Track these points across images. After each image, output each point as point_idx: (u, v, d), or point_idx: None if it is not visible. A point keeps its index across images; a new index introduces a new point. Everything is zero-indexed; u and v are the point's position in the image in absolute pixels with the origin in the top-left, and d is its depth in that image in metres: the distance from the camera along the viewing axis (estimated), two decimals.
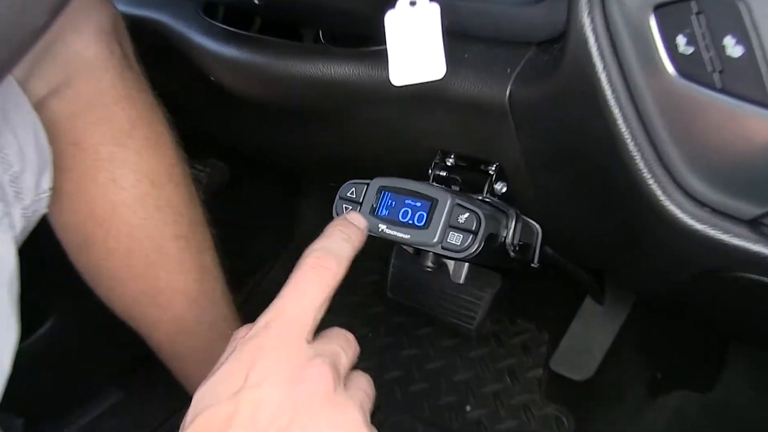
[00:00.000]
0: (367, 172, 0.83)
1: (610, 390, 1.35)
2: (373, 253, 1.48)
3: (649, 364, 1.34)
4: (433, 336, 1.52)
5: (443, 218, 0.76)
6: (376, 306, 1.58)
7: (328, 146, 1.06)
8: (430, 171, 0.88)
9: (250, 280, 1.57)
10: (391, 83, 0.76)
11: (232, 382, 0.61)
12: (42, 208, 0.90)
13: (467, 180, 0.86)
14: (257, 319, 0.65)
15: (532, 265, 0.88)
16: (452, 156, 0.88)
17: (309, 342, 0.64)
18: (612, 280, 1.32)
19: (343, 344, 0.67)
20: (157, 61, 1.01)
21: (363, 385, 0.66)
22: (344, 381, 0.64)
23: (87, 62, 0.92)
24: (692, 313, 1.08)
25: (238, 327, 1.05)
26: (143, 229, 1.01)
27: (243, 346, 0.62)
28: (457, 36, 0.78)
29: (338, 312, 1.53)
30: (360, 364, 1.55)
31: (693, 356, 1.32)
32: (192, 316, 1.08)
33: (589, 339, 1.39)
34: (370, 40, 0.87)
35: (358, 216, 0.75)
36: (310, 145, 1.10)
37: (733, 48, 0.58)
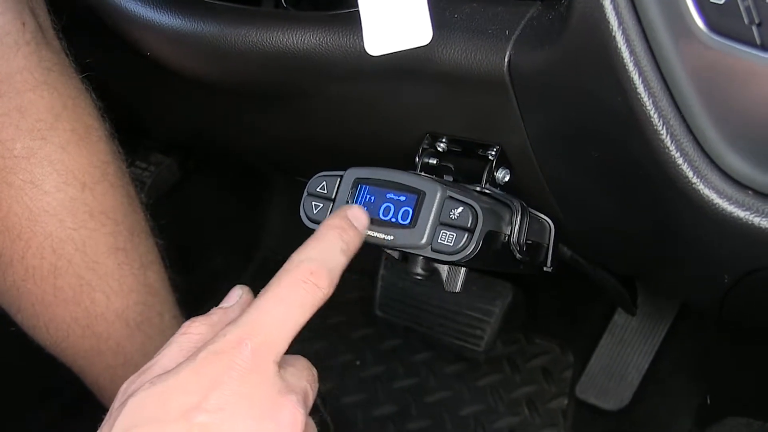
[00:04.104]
0: (342, 162, 0.83)
1: (649, 421, 1.35)
2: (356, 264, 1.49)
3: (696, 388, 1.34)
4: (433, 362, 1.52)
5: (432, 214, 0.76)
6: (362, 327, 1.58)
7: (294, 133, 1.06)
8: (417, 159, 0.88)
9: (208, 301, 1.55)
10: (366, 53, 0.76)
11: (185, 398, 0.63)
12: None
13: (462, 168, 0.86)
14: (226, 327, 0.66)
15: (545, 268, 0.89)
16: (444, 140, 0.88)
17: (278, 368, 0.66)
18: (646, 286, 1.32)
19: (311, 382, 0.70)
20: (82, 35, 1.01)
21: None
22: None
23: None
24: (746, 323, 1.08)
25: None
26: (72, 241, 1.01)
27: (207, 360, 0.64)
28: None
29: (315, 336, 1.53)
30: (346, 399, 1.56)
31: (750, 375, 1.32)
32: (136, 345, 1.08)
33: (622, 360, 1.40)
34: (340, 2, 0.87)
35: (362, 213, 0.76)
36: (272, 133, 1.10)
37: None
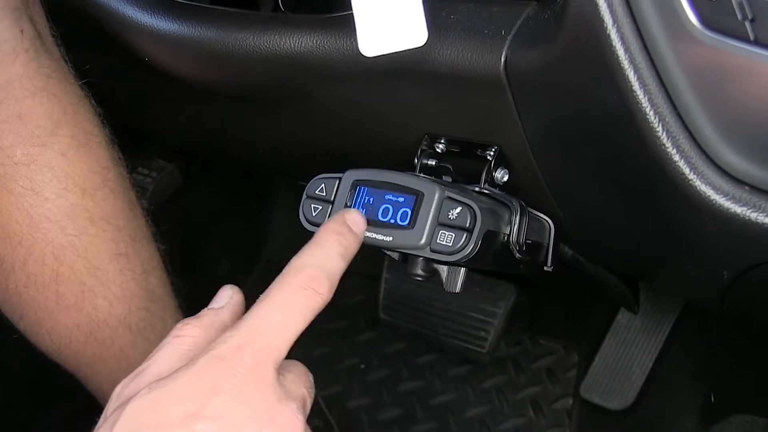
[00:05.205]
0: (341, 165, 0.84)
1: (654, 420, 1.35)
2: (359, 268, 1.49)
3: (700, 386, 1.34)
4: (438, 364, 1.52)
5: (431, 215, 0.76)
6: (366, 331, 1.58)
7: (293, 136, 1.06)
8: (416, 160, 0.88)
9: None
10: (361, 54, 0.76)
11: (185, 405, 0.62)
12: None
13: (461, 168, 0.86)
14: (227, 331, 0.66)
15: (546, 268, 0.88)
16: (442, 140, 0.88)
17: (277, 374, 0.66)
18: (647, 284, 1.32)
19: (308, 388, 0.69)
20: (81, 41, 1.01)
21: None
22: None
23: None
24: (747, 319, 1.08)
25: None
26: (74, 248, 1.01)
27: (207, 365, 0.64)
28: None
29: (320, 341, 1.53)
30: (352, 403, 1.56)
31: (755, 372, 1.32)
32: (139, 351, 1.07)
33: (626, 359, 1.39)
34: (338, 5, 0.87)
35: (359, 216, 0.76)
36: (271, 137, 1.10)
37: None
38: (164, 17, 0.95)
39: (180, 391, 0.63)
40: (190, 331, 0.70)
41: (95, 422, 0.70)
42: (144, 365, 0.68)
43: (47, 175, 0.97)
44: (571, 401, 1.42)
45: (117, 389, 0.68)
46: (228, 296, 0.74)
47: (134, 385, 0.67)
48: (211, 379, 0.63)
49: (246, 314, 0.67)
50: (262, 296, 0.68)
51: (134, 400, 0.64)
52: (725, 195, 0.65)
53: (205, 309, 0.73)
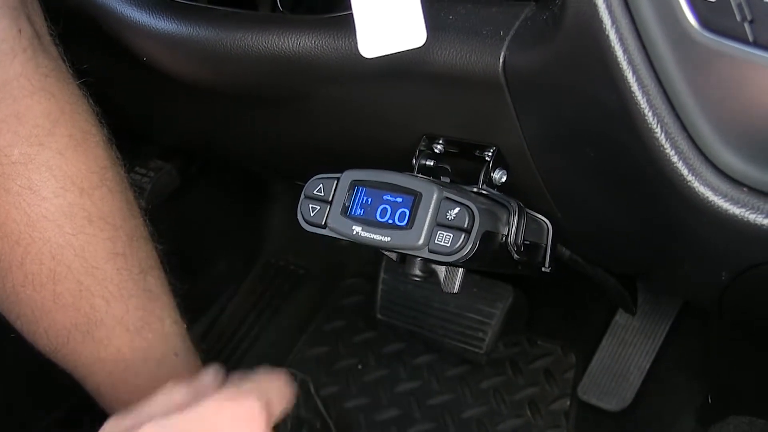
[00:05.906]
0: (339, 165, 0.84)
1: (651, 421, 1.35)
2: (357, 268, 1.49)
3: (697, 387, 1.34)
4: (435, 365, 1.52)
5: (429, 215, 0.76)
6: (364, 331, 1.58)
7: (291, 137, 1.06)
8: (414, 160, 0.88)
9: (210, 306, 1.56)
10: (360, 55, 0.76)
11: None
12: None
13: (459, 169, 0.87)
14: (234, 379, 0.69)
15: (544, 269, 0.89)
16: (440, 141, 0.88)
17: None
18: (646, 285, 1.32)
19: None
20: (79, 41, 1.01)
21: None
22: None
23: None
24: (746, 320, 1.08)
25: (195, 363, 1.07)
26: (71, 247, 1.00)
27: (216, 404, 0.66)
28: None
29: (317, 341, 1.53)
30: (349, 403, 1.55)
31: (752, 373, 1.32)
32: (137, 351, 1.07)
33: (623, 360, 1.40)
34: (337, 6, 0.87)
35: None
36: (269, 137, 1.10)
37: None
38: (162, 17, 0.95)
39: (183, 424, 0.65)
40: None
41: (96, 421, 0.71)
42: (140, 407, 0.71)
43: (45, 174, 0.97)
44: (568, 402, 1.42)
45: (110, 423, 0.69)
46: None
47: (132, 420, 0.67)
48: (218, 420, 0.65)
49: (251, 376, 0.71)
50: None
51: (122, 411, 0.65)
52: (723, 196, 0.65)
53: None
